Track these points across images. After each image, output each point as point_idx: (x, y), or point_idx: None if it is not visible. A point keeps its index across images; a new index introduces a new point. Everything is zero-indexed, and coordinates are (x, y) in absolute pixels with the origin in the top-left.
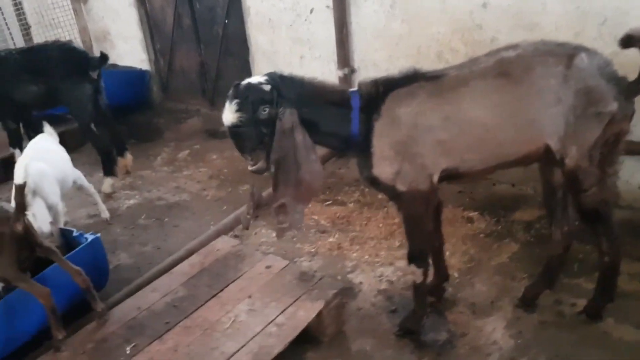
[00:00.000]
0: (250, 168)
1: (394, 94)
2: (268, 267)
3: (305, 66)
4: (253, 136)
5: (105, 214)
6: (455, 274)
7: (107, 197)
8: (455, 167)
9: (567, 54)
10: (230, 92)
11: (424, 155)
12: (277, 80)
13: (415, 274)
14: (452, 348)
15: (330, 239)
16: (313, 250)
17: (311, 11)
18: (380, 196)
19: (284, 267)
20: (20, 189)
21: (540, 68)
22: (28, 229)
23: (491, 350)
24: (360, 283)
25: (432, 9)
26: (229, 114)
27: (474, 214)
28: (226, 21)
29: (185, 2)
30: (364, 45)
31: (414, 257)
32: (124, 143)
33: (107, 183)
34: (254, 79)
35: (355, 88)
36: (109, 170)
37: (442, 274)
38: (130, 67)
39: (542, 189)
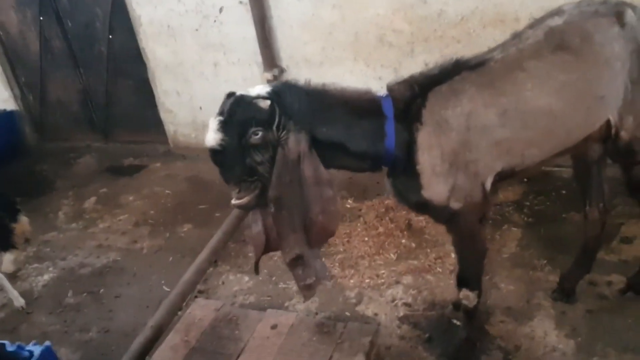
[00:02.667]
0: (233, 202)
1: (435, 93)
2: (274, 326)
3: (222, 74)
4: (239, 165)
5: (19, 301)
6: None
7: (12, 277)
8: (512, 167)
9: (615, 11)
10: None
11: (477, 161)
12: (283, 92)
13: (468, 298)
14: None
15: None
16: None
17: (220, 10)
18: (349, 205)
19: (294, 323)
20: None
21: (598, 34)
22: None
23: (555, 358)
24: (375, 315)
25: None
26: (210, 134)
27: None
28: (110, 37)
29: (52, 22)
30: (290, 40)
31: (466, 280)
32: (15, 204)
33: (7, 260)
34: (252, 90)
35: (383, 93)
36: (5, 244)
37: None
38: None
39: (574, 167)
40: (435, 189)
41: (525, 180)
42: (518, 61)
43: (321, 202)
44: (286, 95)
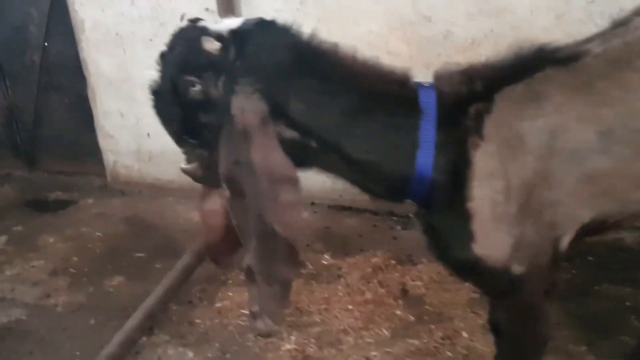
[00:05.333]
0: (181, 167)
1: (506, 96)
2: None
3: None
4: (175, 120)
5: None
6: None
7: None
8: (604, 218)
9: None
10: None
11: (558, 204)
12: (250, 36)
13: None
14: None
15: (287, 346)
16: None
17: (182, 18)
18: (326, 261)
19: None
20: None
21: None
22: None
23: None
24: None
25: (359, 1)
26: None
27: None
28: (46, 44)
29: None
30: None
31: None
32: None
33: None
34: (214, 24)
35: (426, 81)
36: None
37: None
38: None
39: None
40: (493, 241)
41: None
42: (627, 58)
43: (276, 208)
44: (253, 40)
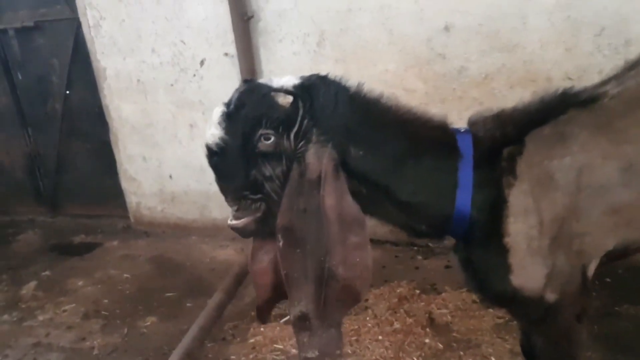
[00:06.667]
0: (228, 222)
1: (535, 138)
2: None
3: (199, 137)
4: (240, 176)
5: None
6: None
7: None
8: (626, 245)
9: None
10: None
11: (585, 235)
12: (316, 89)
13: None
14: None
15: None
16: None
17: (202, 63)
18: None
19: None
20: None
21: None
22: None
23: None
24: None
25: (376, 42)
26: (209, 128)
27: None
28: (67, 92)
29: None
30: None
31: None
32: None
33: None
34: (275, 80)
35: (462, 127)
36: None
37: None
38: None
39: None
40: (529, 273)
41: None
42: None
43: (343, 250)
44: (319, 93)
